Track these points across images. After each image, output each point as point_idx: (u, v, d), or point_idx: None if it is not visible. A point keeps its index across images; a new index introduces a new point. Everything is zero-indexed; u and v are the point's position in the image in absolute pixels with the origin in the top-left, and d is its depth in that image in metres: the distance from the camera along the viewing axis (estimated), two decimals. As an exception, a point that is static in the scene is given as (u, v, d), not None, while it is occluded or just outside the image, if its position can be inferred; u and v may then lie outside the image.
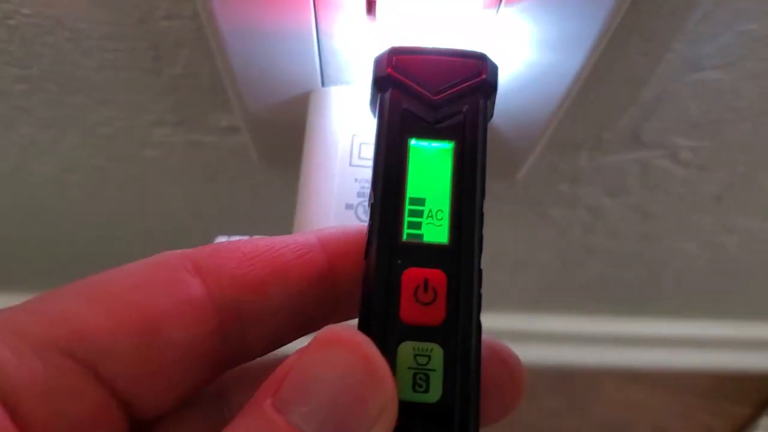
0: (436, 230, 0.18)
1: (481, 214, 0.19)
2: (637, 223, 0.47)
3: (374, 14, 0.25)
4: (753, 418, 0.83)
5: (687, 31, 0.27)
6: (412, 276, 0.18)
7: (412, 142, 0.19)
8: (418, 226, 0.18)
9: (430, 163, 0.19)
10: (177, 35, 0.29)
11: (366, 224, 0.20)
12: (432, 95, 0.20)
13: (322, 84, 0.30)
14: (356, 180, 0.28)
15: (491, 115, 0.21)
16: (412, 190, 0.19)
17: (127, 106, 0.35)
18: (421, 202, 0.19)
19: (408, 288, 0.18)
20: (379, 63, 0.21)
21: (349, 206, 0.28)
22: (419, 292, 0.18)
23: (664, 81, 0.31)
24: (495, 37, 0.26)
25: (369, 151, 0.29)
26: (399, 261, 0.18)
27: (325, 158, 0.29)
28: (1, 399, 0.15)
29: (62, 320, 0.16)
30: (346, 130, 0.29)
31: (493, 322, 0.75)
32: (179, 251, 0.18)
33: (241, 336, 0.18)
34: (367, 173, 0.29)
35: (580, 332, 0.76)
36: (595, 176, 0.40)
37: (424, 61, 0.20)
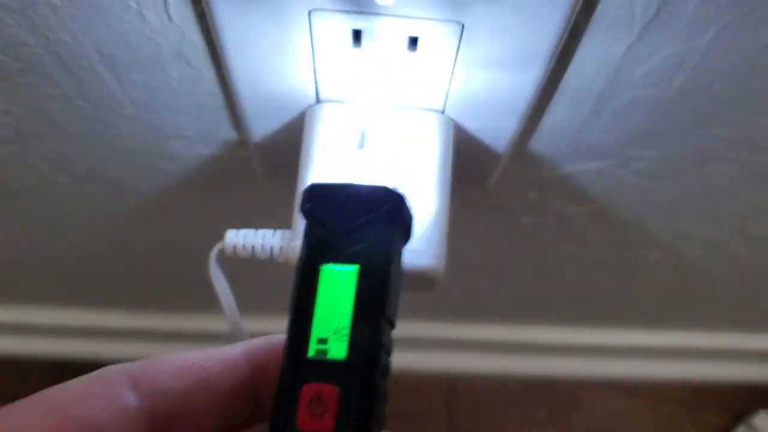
0: (338, 346, 0.21)
1: (381, 330, 0.21)
2: (603, 231, 0.52)
3: (360, 43, 0.31)
4: (731, 427, 0.87)
5: (628, 52, 0.32)
6: (309, 390, 0.20)
7: (323, 266, 0.22)
8: (324, 342, 0.21)
9: (338, 284, 0.21)
10: (194, 60, 0.34)
11: None
12: (341, 225, 0.22)
13: (317, 101, 0.35)
14: (347, 180, 0.33)
15: (407, 237, 0.24)
16: (320, 309, 0.21)
17: (147, 121, 0.40)
18: (328, 320, 0.21)
19: (304, 400, 0.20)
20: (302, 197, 0.24)
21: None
22: (312, 405, 0.20)
23: (610, 96, 0.36)
24: (462, 57, 0.31)
25: (359, 161, 0.34)
26: (301, 376, 0.20)
27: (320, 163, 0.34)
28: None
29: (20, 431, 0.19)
30: (339, 142, 0.34)
31: (477, 334, 0.79)
32: (119, 365, 0.21)
33: None
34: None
35: (562, 342, 0.80)
36: (559, 185, 0.45)
37: (336, 196, 0.23)
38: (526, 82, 0.33)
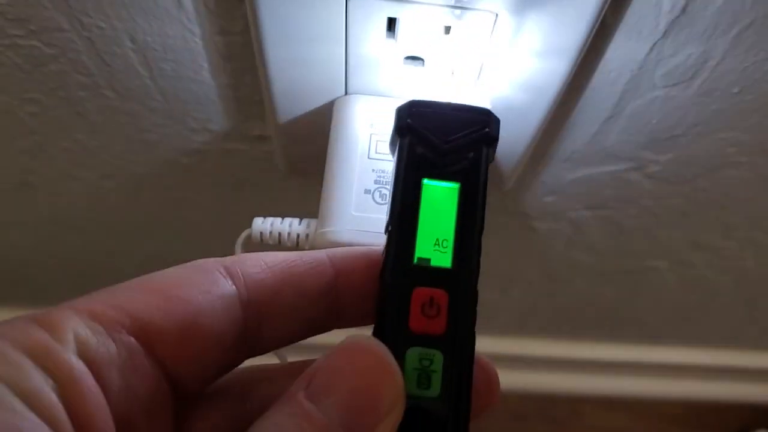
0: (441, 256, 0.22)
1: (480, 244, 0.23)
2: (614, 238, 0.52)
3: (394, 33, 0.31)
4: (730, 447, 0.87)
5: (650, 49, 0.33)
6: (420, 294, 0.22)
7: (425, 181, 0.23)
8: (427, 251, 0.22)
9: (440, 199, 0.23)
10: (227, 48, 0.35)
11: (372, 247, 0.25)
12: (443, 144, 0.24)
13: (346, 92, 0.36)
14: (373, 170, 0.34)
15: (493, 158, 0.25)
16: (423, 221, 0.23)
17: (173, 113, 0.40)
18: (430, 232, 0.23)
19: (416, 303, 0.22)
20: (400, 112, 0.25)
21: (367, 191, 0.34)
22: (426, 308, 0.22)
23: (632, 96, 0.37)
24: (493, 50, 0.32)
25: (384, 147, 0.34)
26: (410, 281, 0.22)
27: (347, 152, 0.34)
28: (90, 368, 0.18)
29: (125, 308, 0.20)
30: (366, 130, 0.35)
31: (478, 347, 0.79)
32: (213, 258, 0.22)
33: (260, 332, 0.22)
34: (383, 165, 0.34)
35: (562, 357, 0.80)
36: (575, 189, 0.46)
37: (437, 114, 0.24)
38: (553, 77, 0.34)
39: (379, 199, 0.33)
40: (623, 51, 0.34)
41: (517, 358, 0.80)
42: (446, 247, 0.22)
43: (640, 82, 0.36)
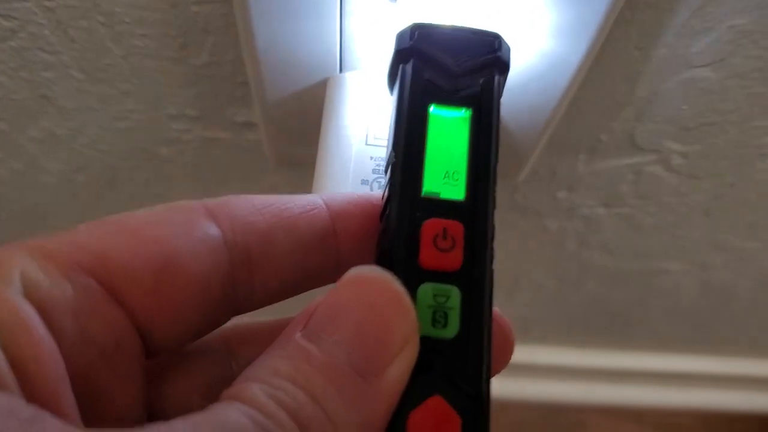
0: (453, 189, 0.20)
1: (495, 177, 0.20)
2: (630, 237, 0.48)
3: (395, -1, 0.28)
4: (741, 459, 0.84)
5: (681, 25, 0.30)
6: (431, 225, 0.19)
7: (432, 108, 0.21)
8: (436, 184, 0.20)
9: (449, 128, 0.21)
10: (206, 21, 0.31)
11: (371, 193, 0.22)
12: (451, 67, 0.21)
13: (340, 70, 0.32)
14: (371, 158, 0.30)
15: (501, 93, 0.23)
16: (431, 151, 0.20)
17: (148, 97, 0.36)
18: (439, 163, 0.20)
19: (428, 236, 0.19)
20: (401, 36, 0.22)
21: (364, 182, 0.30)
22: (438, 240, 0.19)
23: (657, 79, 0.33)
24: (507, 25, 0.28)
25: (383, 133, 0.30)
26: (419, 213, 0.19)
27: (342, 138, 0.30)
28: (39, 311, 0.16)
29: (86, 246, 0.17)
30: (362, 113, 0.31)
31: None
32: (192, 200, 0.20)
33: (249, 282, 0.20)
34: (381, 152, 0.30)
35: (569, 366, 0.76)
36: (591, 183, 0.42)
37: (443, 36, 0.22)
38: (571, 55, 0.30)
39: (378, 191, 0.30)
40: (650, 26, 0.30)
41: (520, 365, 0.76)
42: (458, 180, 0.20)
43: (669, 62, 0.32)
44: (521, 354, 0.75)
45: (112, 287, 0.17)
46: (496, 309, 0.20)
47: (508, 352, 0.21)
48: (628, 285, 0.57)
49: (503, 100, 0.23)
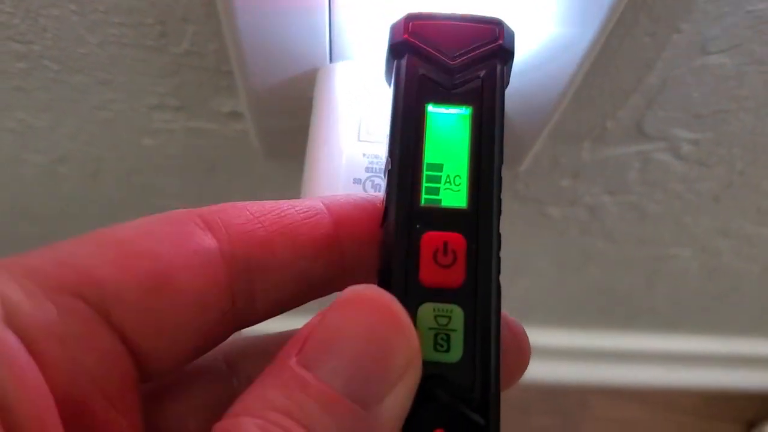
0: (454, 195, 0.19)
1: (500, 179, 0.19)
2: (635, 225, 0.47)
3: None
4: (744, 436, 0.83)
5: (695, 10, 0.27)
6: (431, 239, 0.18)
7: (430, 107, 0.19)
8: (435, 191, 0.19)
9: (448, 128, 0.19)
10: (185, 9, 0.29)
11: (374, 194, 0.20)
12: (449, 60, 0.20)
13: (330, 60, 0.30)
14: (364, 155, 0.28)
15: (507, 82, 0.21)
16: (429, 155, 0.19)
17: (127, 87, 0.34)
18: (438, 167, 0.19)
19: (427, 251, 0.18)
20: (395, 29, 0.21)
21: (357, 181, 0.28)
22: (438, 255, 0.18)
23: (669, 66, 0.31)
24: (510, 8, 0.26)
25: (377, 127, 0.29)
26: (418, 225, 0.18)
27: (332, 133, 0.29)
28: (21, 338, 0.14)
29: (71, 264, 0.16)
30: (354, 106, 0.29)
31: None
32: (186, 209, 0.18)
33: (249, 294, 0.18)
34: (375, 149, 0.28)
35: (572, 347, 0.75)
36: (596, 171, 0.40)
37: (440, 27, 0.20)
38: (578, 41, 0.28)
39: (371, 190, 0.28)
40: (662, 12, 0.28)
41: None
42: (459, 185, 0.19)
43: (683, 48, 0.30)
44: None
45: (101, 308, 0.16)
46: (507, 313, 0.19)
47: (524, 362, 0.19)
48: (632, 271, 0.55)
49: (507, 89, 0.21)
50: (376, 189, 0.28)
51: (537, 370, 0.78)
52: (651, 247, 0.51)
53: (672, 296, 0.62)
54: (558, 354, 0.76)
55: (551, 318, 0.70)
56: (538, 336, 0.74)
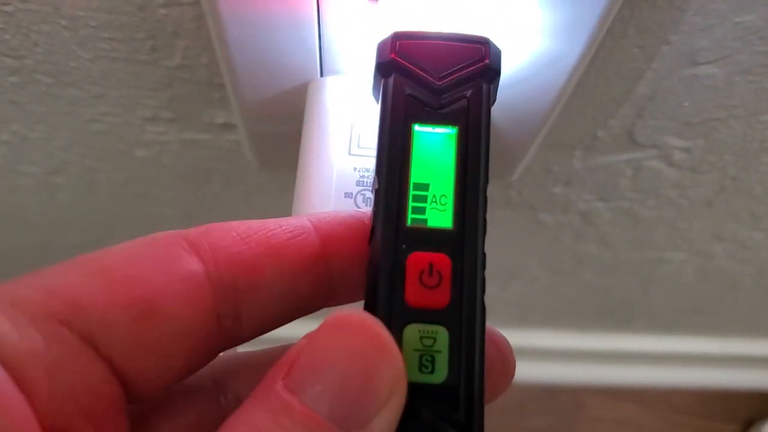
0: (440, 215, 0.19)
1: (485, 199, 0.19)
2: (628, 230, 0.47)
3: (376, -1, 0.26)
4: (741, 436, 0.84)
5: (683, 22, 0.28)
6: (417, 260, 0.18)
7: (416, 127, 0.20)
8: (422, 211, 0.19)
9: (434, 148, 0.19)
10: (176, 24, 0.29)
11: (361, 210, 0.20)
12: (435, 80, 0.20)
13: (321, 74, 0.30)
14: (355, 169, 0.28)
15: (494, 100, 0.21)
16: (416, 175, 0.19)
17: (120, 101, 0.34)
18: (425, 187, 0.19)
19: (413, 272, 0.18)
20: (382, 48, 0.21)
21: (348, 195, 0.28)
22: (424, 276, 0.18)
23: (658, 76, 0.31)
24: (498, 22, 0.26)
25: (367, 141, 0.29)
26: (404, 245, 0.18)
27: (323, 147, 0.29)
28: (7, 367, 0.14)
29: (57, 293, 0.16)
30: (345, 120, 0.29)
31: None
32: (172, 231, 0.18)
33: (236, 315, 0.19)
34: (366, 162, 0.29)
35: (567, 348, 0.75)
36: (588, 178, 0.40)
37: (426, 46, 0.20)
38: (567, 54, 0.28)
39: (362, 204, 0.28)
40: (650, 24, 0.28)
41: (517, 348, 0.75)
42: (445, 204, 0.19)
43: (672, 59, 0.30)
44: (518, 337, 0.74)
45: (88, 336, 0.16)
46: (491, 327, 0.19)
47: (509, 374, 0.20)
48: (626, 275, 0.55)
49: (494, 106, 0.21)
50: (367, 203, 0.28)
51: (532, 371, 0.78)
52: (645, 251, 0.51)
53: (667, 298, 0.62)
54: (553, 354, 0.76)
55: (546, 319, 0.70)
56: (532, 337, 0.74)
